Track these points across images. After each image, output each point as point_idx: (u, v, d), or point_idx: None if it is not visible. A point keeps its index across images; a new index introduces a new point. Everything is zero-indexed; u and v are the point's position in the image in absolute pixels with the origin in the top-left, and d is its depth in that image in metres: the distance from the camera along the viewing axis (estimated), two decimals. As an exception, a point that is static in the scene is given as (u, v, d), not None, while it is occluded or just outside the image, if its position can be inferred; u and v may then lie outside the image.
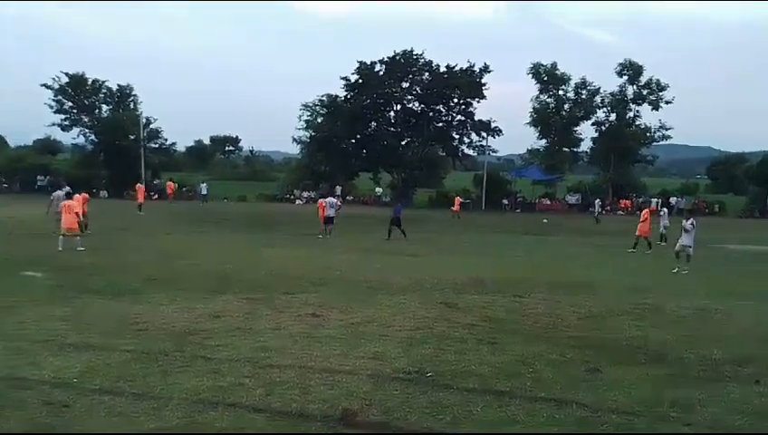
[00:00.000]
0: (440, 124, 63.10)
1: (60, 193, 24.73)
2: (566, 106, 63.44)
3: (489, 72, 60.83)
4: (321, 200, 29.69)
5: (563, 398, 6.58)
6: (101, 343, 8.39)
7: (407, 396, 6.56)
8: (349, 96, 61.72)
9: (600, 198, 53.31)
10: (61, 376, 6.91)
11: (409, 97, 62.79)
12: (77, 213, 19.55)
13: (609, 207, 58.35)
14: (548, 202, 61.01)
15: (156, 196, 53.91)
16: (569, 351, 8.54)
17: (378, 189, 63.90)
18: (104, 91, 63.36)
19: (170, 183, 53.33)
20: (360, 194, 63.88)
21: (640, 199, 57.16)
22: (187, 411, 5.97)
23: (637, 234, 24.98)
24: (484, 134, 62.02)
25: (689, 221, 18.76)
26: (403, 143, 62.95)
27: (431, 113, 62.75)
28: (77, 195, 23.41)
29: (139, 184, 42.21)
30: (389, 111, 63.47)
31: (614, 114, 63.34)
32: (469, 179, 67.37)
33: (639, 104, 62.55)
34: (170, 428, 5.62)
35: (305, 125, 70.92)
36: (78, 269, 15.23)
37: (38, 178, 59.03)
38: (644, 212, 26.22)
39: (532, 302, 12.38)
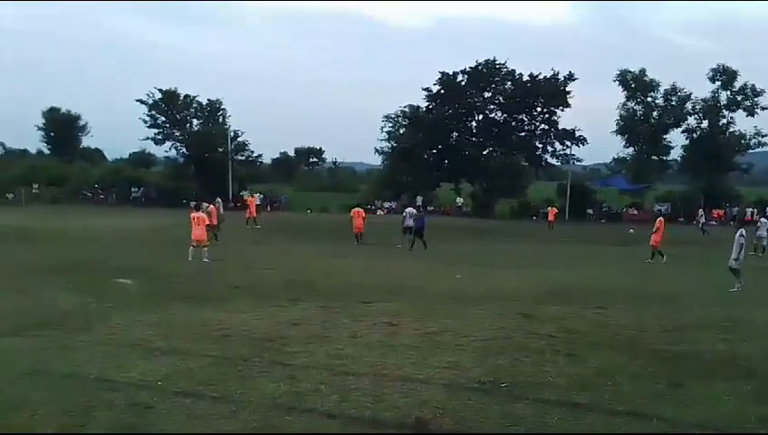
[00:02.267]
0: (523, 133, 62.24)
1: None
2: (654, 113, 61.43)
3: (574, 79, 59.66)
4: (355, 210, 29.90)
5: (643, 412, 6.39)
6: (185, 347, 8.70)
7: (481, 406, 6.52)
8: (431, 107, 61.69)
9: (703, 207, 49.33)
10: (146, 379, 7.21)
11: (492, 106, 62.20)
12: (208, 225, 19.88)
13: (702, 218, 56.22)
14: (635, 212, 59.11)
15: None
16: (651, 364, 8.27)
17: (459, 200, 63.58)
18: (195, 105, 65.62)
19: (251, 198, 52.80)
20: (440, 204, 63.72)
21: (734, 209, 54.41)
22: (263, 415, 6.12)
23: (651, 244, 24.17)
24: (568, 143, 60.75)
25: (739, 232, 17.38)
26: (485, 153, 62.34)
27: (514, 123, 61.99)
28: (211, 205, 24.43)
29: (249, 196, 43.07)
30: (471, 121, 63.06)
31: (706, 121, 60.92)
32: (553, 189, 66.13)
33: (734, 110, 59.89)
34: (248, 430, 5.78)
35: (387, 136, 71.42)
36: (166, 277, 15.83)
37: (132, 189, 61.69)
38: (657, 221, 25.06)
39: (613, 313, 12.04)
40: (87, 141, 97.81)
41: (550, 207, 48.81)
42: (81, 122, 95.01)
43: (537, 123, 62.00)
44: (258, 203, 43.97)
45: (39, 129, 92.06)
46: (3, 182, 60.35)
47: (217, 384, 7.05)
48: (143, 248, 22.63)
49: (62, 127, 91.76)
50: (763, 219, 32.02)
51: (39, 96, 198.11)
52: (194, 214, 20.24)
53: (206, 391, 6.82)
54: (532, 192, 68.62)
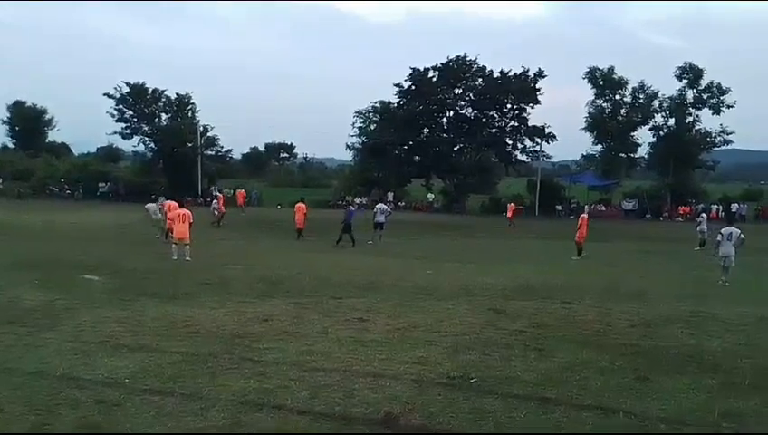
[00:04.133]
0: (493, 130, 62.58)
1: (152, 205, 25.51)
2: (623, 111, 62.17)
3: (544, 76, 60.25)
4: (297, 204, 29.62)
5: (610, 406, 6.48)
6: (154, 344, 8.62)
7: (450, 401, 6.56)
8: (402, 102, 61.93)
9: (705, 210, 43.31)
10: (113, 376, 7.13)
11: (462, 103, 62.55)
12: (191, 223, 19.31)
13: (666, 214, 57.17)
14: (603, 208, 59.81)
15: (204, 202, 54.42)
16: (618, 359, 8.39)
17: (430, 196, 63.84)
18: (163, 99, 64.76)
19: (241, 191, 52.33)
20: (412, 200, 63.92)
21: (700, 206, 55.25)
22: (233, 412, 6.09)
23: (575, 240, 24.60)
24: (537, 140, 61.39)
25: (728, 230, 17.71)
26: (456, 149, 62.66)
27: (484, 119, 62.32)
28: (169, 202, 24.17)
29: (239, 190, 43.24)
30: (442, 117, 63.35)
31: (673, 119, 61.78)
32: (523, 185, 66.69)
33: (699, 108, 60.78)
34: (215, 428, 5.75)
35: (358, 132, 71.48)
36: (134, 273, 15.65)
37: (100, 184, 60.88)
38: (580, 217, 25.59)
39: (581, 309, 12.19)
40: (53, 136, 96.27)
41: (509, 204, 49.21)
42: (47, 116, 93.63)
43: (507, 120, 62.48)
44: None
45: (3, 122, 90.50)
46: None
47: (186, 381, 7.00)
48: (110, 244, 22.29)
49: (27, 121, 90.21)
50: (703, 214, 32.66)
51: (3, 89, 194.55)
52: (179, 211, 19.88)
53: (174, 388, 6.76)
54: (502, 188, 69.16)
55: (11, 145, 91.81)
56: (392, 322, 10.44)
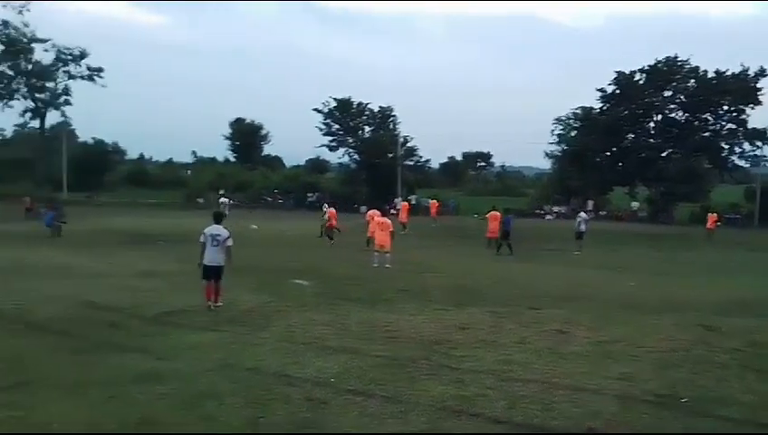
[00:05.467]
0: (707, 134, 58.60)
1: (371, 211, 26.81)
2: None
3: (766, 75, 55.13)
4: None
5: None
6: (357, 347, 9.04)
7: (657, 420, 6.24)
8: (604, 108, 59.86)
9: None
10: (321, 376, 7.58)
11: (672, 106, 59.27)
12: (392, 232, 19.71)
13: None
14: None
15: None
16: None
17: (634, 204, 60.71)
18: (367, 113, 67.77)
19: (433, 202, 52.85)
20: (613, 209, 61.18)
21: None
22: (431, 417, 6.22)
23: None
24: (758, 143, 56.31)
25: None
26: (663, 155, 59.37)
27: (696, 122, 58.62)
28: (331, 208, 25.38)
29: (403, 201, 43.84)
30: (649, 122, 60.47)
31: None
32: (740, 193, 61.41)
33: None
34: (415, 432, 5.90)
35: (558, 139, 69.73)
36: (338, 279, 16.47)
37: (308, 195, 64.69)
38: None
39: (811, 328, 10.99)
40: (268, 149, 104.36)
41: (710, 214, 45.03)
42: (263, 132, 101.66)
43: (723, 123, 58.32)
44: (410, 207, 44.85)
45: (226, 138, 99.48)
46: (196, 188, 65.54)
47: (387, 384, 7.26)
48: (316, 251, 23.59)
49: (246, 136, 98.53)
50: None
51: (226, 108, 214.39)
52: (378, 219, 20.52)
53: (376, 390, 7.05)
54: (715, 196, 63.98)
55: (232, 159, 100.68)
56: (593, 334, 10.11)
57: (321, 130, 66.59)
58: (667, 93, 58.97)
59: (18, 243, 24.48)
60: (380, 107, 67.79)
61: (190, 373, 7.57)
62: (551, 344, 9.37)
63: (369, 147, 64.52)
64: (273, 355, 8.49)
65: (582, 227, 27.08)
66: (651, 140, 59.91)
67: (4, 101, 67.26)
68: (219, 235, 12.16)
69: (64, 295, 13.12)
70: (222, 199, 37.66)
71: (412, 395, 6.87)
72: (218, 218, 12.83)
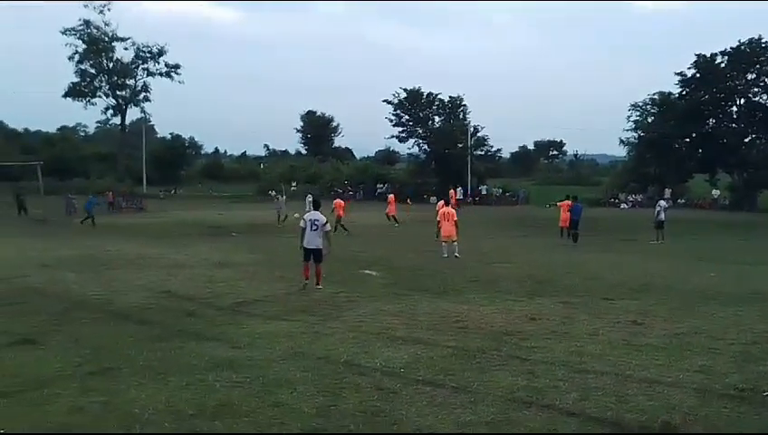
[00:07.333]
0: (795, 117, 55.76)
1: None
2: None
3: None
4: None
5: None
6: (426, 337, 9.04)
7: (737, 415, 6.01)
8: (684, 92, 57.94)
9: None
10: (390, 365, 7.60)
11: (756, 89, 56.75)
12: (455, 222, 19.55)
13: None
14: None
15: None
16: None
17: (715, 192, 58.53)
18: (437, 103, 67.49)
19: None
20: (693, 197, 59.16)
21: None
22: (501, 408, 6.16)
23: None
24: None
25: None
26: (746, 141, 57.07)
27: (783, 106, 55.76)
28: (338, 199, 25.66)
29: (389, 193, 42.41)
30: (731, 106, 58.24)
31: None
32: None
33: None
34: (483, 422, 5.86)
35: (634, 126, 67.73)
36: (407, 269, 16.52)
37: (378, 186, 65.01)
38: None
39: None
40: (338, 141, 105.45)
41: None
42: (334, 124, 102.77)
43: (810, 106, 55.19)
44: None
45: (297, 131, 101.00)
46: (267, 180, 66.79)
47: (456, 374, 7.23)
48: (385, 241, 23.69)
49: (317, 128, 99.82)
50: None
51: (298, 101, 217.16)
52: (444, 209, 20.14)
53: (445, 380, 7.02)
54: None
55: (303, 151, 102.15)
56: (670, 326, 9.81)
57: (391, 121, 66.85)
58: (751, 76, 56.50)
59: (101, 235, 25.54)
60: (450, 97, 67.45)
61: (263, 361, 7.72)
62: (625, 336, 9.13)
63: (439, 137, 64.31)
64: (343, 345, 8.57)
65: (662, 216, 26.36)
66: (733, 126, 57.65)
67: (88, 98, 70.22)
68: (318, 220, 13.36)
69: (144, 285, 13.66)
70: (276, 195, 37.55)
71: (481, 386, 6.82)
72: (317, 205, 14.48)
